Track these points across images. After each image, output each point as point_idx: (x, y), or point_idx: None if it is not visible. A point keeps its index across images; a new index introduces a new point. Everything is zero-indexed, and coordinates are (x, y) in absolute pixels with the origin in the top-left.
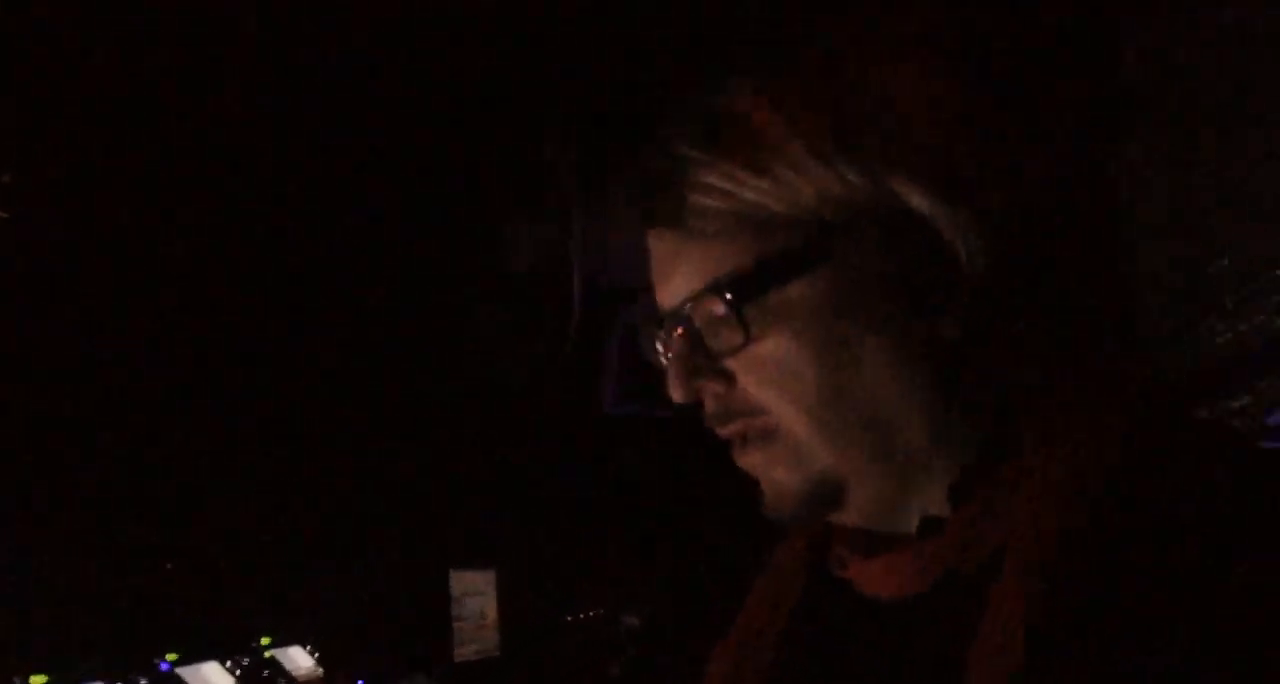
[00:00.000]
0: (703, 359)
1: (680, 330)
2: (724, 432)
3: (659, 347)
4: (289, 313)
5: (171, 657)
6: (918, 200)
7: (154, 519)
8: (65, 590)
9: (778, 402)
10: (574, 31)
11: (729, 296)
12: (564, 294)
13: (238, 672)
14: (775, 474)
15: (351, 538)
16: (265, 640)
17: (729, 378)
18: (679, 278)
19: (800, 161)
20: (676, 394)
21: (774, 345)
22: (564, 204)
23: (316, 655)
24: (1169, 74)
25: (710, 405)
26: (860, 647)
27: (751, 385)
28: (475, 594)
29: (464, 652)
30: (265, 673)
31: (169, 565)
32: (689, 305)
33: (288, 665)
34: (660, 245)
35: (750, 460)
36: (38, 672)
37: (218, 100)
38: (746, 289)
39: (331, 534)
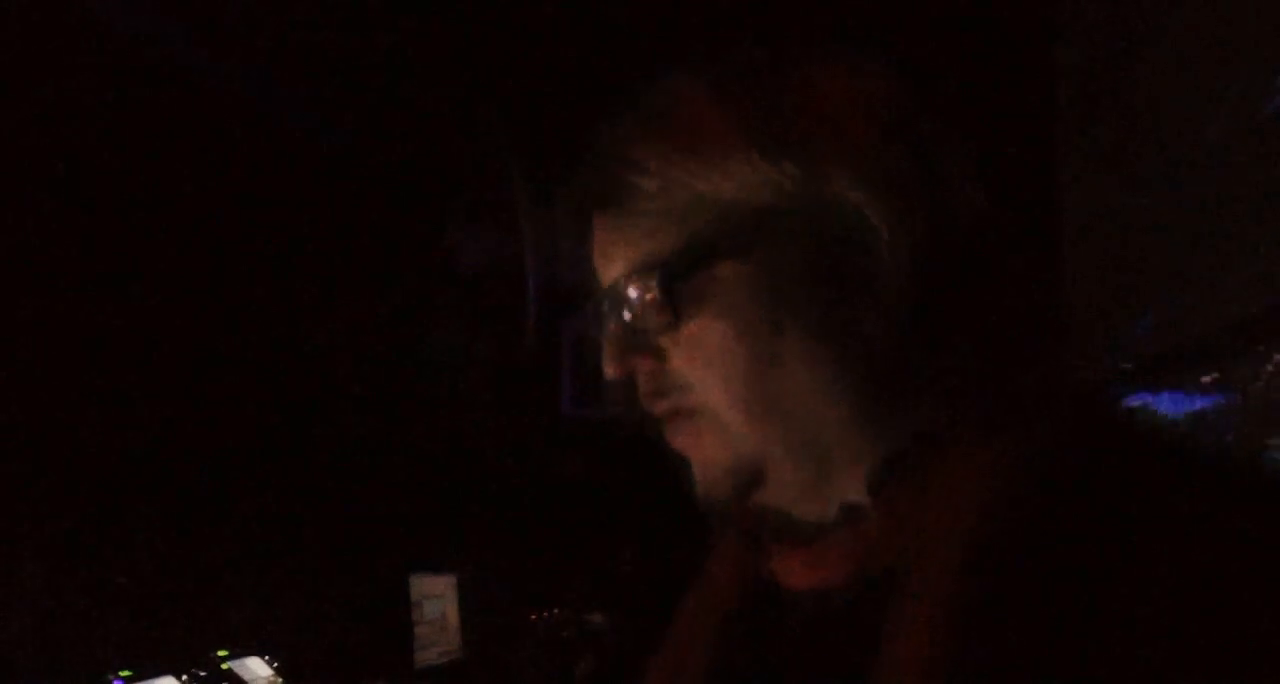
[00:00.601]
0: (636, 337)
1: (615, 308)
2: (655, 409)
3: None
4: (242, 319)
5: (125, 673)
6: (849, 193)
7: (103, 530)
8: (10, 606)
9: (704, 380)
10: (523, 39)
11: (658, 276)
12: (519, 297)
13: None
14: (703, 453)
15: (308, 544)
16: (222, 652)
17: (661, 355)
18: (616, 257)
19: (736, 148)
20: (609, 369)
21: (702, 325)
22: (515, 207)
23: (275, 665)
24: (1111, 80)
25: (642, 383)
26: (786, 642)
27: (681, 363)
28: (436, 598)
29: (426, 656)
30: None
31: (121, 578)
32: (622, 283)
33: (246, 677)
34: (602, 225)
35: (680, 440)
36: None
37: (175, 100)
38: (675, 269)
39: (288, 541)
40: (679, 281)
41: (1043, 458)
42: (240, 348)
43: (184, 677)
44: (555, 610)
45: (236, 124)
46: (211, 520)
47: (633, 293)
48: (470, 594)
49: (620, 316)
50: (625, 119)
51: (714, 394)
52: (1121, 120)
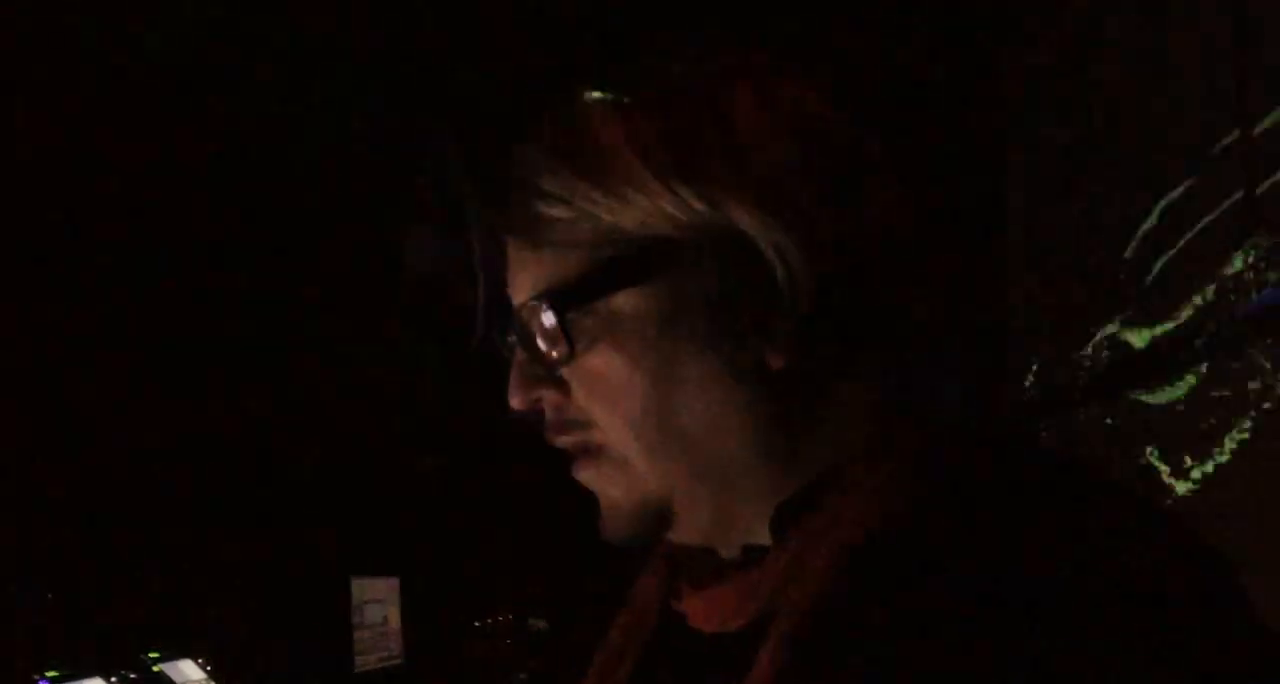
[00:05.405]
0: (540, 368)
1: (519, 337)
2: (560, 443)
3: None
4: (191, 314)
5: (51, 674)
6: (749, 226)
7: (33, 528)
8: None
9: (604, 416)
10: (472, 43)
11: (554, 305)
12: (465, 302)
13: None
14: (607, 491)
15: (247, 545)
16: (153, 654)
17: (564, 388)
18: (522, 284)
19: (638, 178)
20: (513, 401)
21: (600, 359)
22: (462, 211)
23: (209, 669)
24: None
25: (549, 415)
26: (689, 682)
27: (582, 397)
28: (377, 601)
29: (366, 661)
30: None
31: (46, 578)
32: (524, 313)
33: (177, 680)
34: (511, 251)
35: (585, 475)
36: None
37: (127, 110)
38: (572, 299)
39: (225, 540)
40: (575, 312)
41: (905, 502)
42: (182, 345)
43: (112, 678)
44: (499, 616)
45: (201, 134)
46: (143, 518)
47: (534, 323)
48: (413, 598)
49: (525, 345)
50: (534, 141)
51: (614, 431)
52: (1074, 139)
